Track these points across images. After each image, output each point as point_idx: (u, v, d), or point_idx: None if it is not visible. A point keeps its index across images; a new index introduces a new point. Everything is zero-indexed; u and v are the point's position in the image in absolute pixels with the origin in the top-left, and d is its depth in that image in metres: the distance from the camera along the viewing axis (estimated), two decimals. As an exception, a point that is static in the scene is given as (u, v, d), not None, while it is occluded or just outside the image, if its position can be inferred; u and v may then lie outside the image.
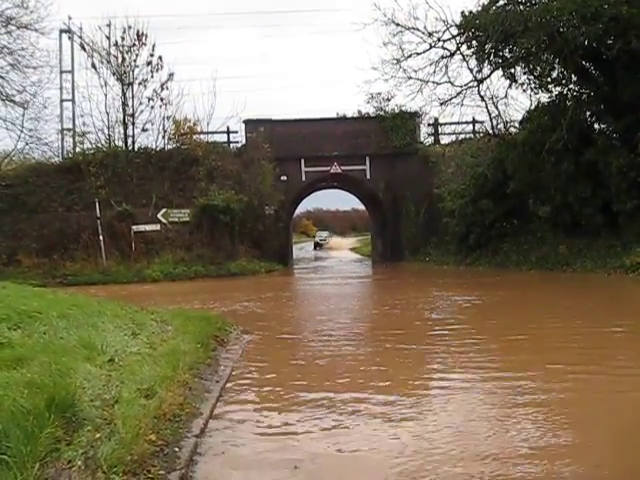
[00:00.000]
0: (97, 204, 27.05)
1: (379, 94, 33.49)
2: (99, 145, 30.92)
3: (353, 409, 6.33)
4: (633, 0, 19.73)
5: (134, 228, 27.74)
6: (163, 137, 31.22)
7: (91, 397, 5.16)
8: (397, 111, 32.91)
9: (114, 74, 30.42)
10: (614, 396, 6.56)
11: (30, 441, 3.91)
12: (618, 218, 21.69)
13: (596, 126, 24.15)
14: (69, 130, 32.96)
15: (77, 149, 32.03)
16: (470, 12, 23.93)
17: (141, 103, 30.62)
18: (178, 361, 7.06)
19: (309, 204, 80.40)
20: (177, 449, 4.78)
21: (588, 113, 24.15)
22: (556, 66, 23.72)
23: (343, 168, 33.08)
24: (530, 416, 5.87)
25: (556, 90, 24.51)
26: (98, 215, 27.05)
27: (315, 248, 71.40)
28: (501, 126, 26.71)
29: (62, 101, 33.10)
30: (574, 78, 24.04)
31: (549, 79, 24.09)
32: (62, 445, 4.16)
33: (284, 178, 32.07)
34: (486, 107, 26.00)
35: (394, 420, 5.96)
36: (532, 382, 6.96)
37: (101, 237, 27.00)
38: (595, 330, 10.32)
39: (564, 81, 24.26)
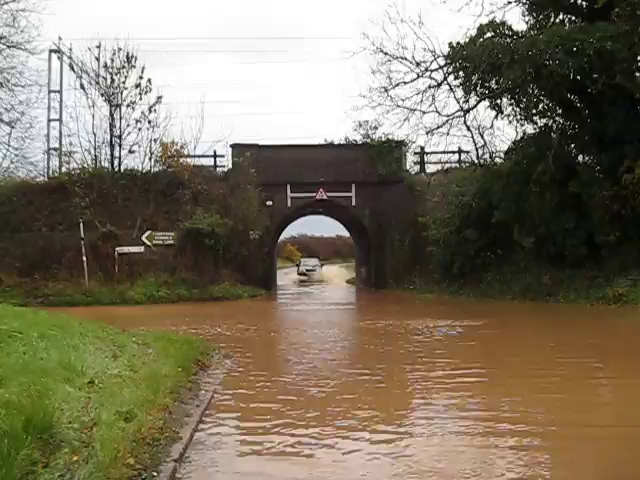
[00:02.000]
0: (81, 224, 26.90)
1: (366, 122, 33.78)
2: (85, 165, 30.90)
3: (334, 438, 6.30)
4: (617, 36, 20.04)
5: (118, 249, 27.58)
6: (150, 159, 31.26)
7: (70, 419, 5.08)
8: (384, 139, 32.99)
9: (102, 95, 30.53)
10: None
11: (6, 463, 3.84)
12: (601, 250, 21.85)
13: (580, 158, 24.43)
14: (55, 150, 32.86)
15: (63, 169, 31.91)
16: (458, 43, 24.19)
17: (128, 125, 30.76)
18: (159, 384, 7.00)
19: (294, 230, 74.29)
20: (155, 474, 4.71)
21: (573, 145, 24.42)
22: (542, 98, 23.99)
23: (329, 195, 33.10)
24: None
25: (542, 122, 24.79)
26: (82, 235, 26.88)
27: (301, 282, 50.35)
28: (487, 156, 26.89)
29: (49, 120, 33.02)
30: (559, 110, 24.35)
31: (535, 111, 24.32)
32: (38, 467, 4.10)
33: (269, 203, 32.03)
34: (472, 137, 26.21)
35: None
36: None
37: (84, 258, 26.82)
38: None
39: (550, 113, 24.54)
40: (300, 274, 54.16)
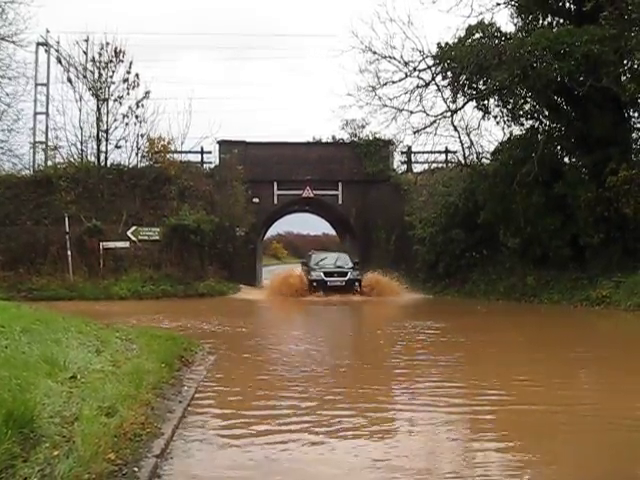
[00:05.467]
0: (66, 219, 26.77)
1: (354, 120, 33.75)
2: (71, 160, 30.68)
3: (318, 432, 6.32)
4: (604, 39, 20.17)
5: (103, 244, 27.45)
6: (136, 154, 31.07)
7: (51, 414, 5.07)
8: (371, 138, 33.09)
9: (90, 89, 30.28)
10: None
11: (-15, 457, 3.83)
12: (585, 251, 21.98)
13: (566, 160, 24.58)
14: (41, 143, 32.68)
15: (49, 163, 31.74)
16: (446, 44, 24.24)
17: (116, 119, 30.49)
18: (141, 380, 6.98)
19: (280, 227, 71.49)
20: (136, 469, 4.70)
21: (559, 147, 24.55)
22: (529, 100, 24.14)
23: (315, 192, 33.10)
24: None
25: (528, 123, 24.94)
26: (67, 230, 26.75)
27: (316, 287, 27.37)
28: (473, 157, 26.98)
29: (36, 114, 32.85)
30: (546, 112, 24.48)
31: (521, 112, 24.48)
32: (18, 462, 4.08)
33: (256, 200, 31.96)
34: (459, 137, 26.28)
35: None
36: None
37: (69, 252, 26.69)
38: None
39: (536, 115, 24.70)
40: (314, 281, 27.62)
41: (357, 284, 27.34)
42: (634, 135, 23.18)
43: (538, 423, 6.78)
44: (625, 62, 21.67)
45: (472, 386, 8.61)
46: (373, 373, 9.95)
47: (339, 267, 28.92)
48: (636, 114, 23.00)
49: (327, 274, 27.81)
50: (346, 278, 27.53)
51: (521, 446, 5.96)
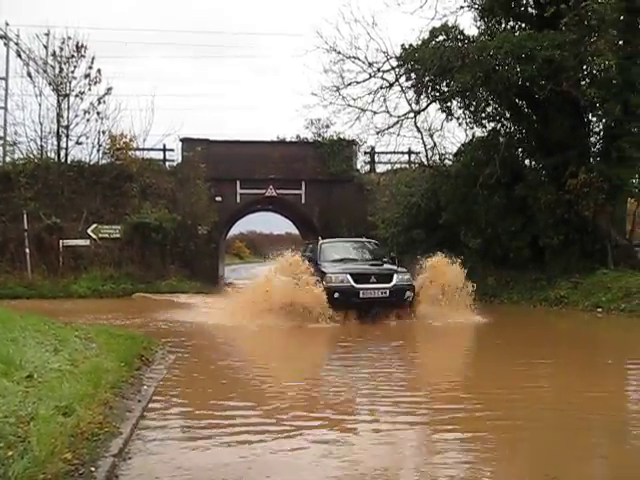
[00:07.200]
0: (25, 216, 26.38)
1: (318, 120, 33.75)
2: (30, 156, 30.21)
3: (277, 430, 6.31)
4: (565, 44, 20.47)
5: (63, 242, 27.13)
6: (98, 151, 30.66)
7: (5, 413, 4.99)
8: (335, 138, 33.13)
9: (50, 84, 29.84)
10: None
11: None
12: (545, 252, 22.30)
13: (527, 162, 24.89)
14: (0, 139, 32.15)
15: (7, 159, 31.23)
16: (410, 45, 24.36)
17: (77, 115, 30.05)
18: (100, 379, 6.92)
19: (243, 226, 68.97)
20: (93, 469, 4.65)
21: (520, 149, 24.86)
22: (491, 102, 24.33)
23: (278, 192, 33.02)
24: None
25: (490, 125, 25.13)
26: (25, 227, 26.38)
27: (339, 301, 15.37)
28: (436, 158, 27.09)
29: (-6, 108, 32.37)
30: (507, 115, 24.72)
31: (484, 114, 24.67)
32: (-29, 462, 4.01)
33: (219, 199, 31.78)
34: (422, 138, 26.39)
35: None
36: None
37: (27, 250, 26.32)
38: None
39: (498, 117, 24.91)
40: (334, 292, 15.46)
41: (410, 294, 16.40)
42: (592, 139, 23.55)
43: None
44: (584, 67, 21.98)
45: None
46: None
47: (376, 264, 17.62)
48: (594, 119, 23.35)
49: (357, 277, 16.17)
50: (391, 284, 16.24)
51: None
